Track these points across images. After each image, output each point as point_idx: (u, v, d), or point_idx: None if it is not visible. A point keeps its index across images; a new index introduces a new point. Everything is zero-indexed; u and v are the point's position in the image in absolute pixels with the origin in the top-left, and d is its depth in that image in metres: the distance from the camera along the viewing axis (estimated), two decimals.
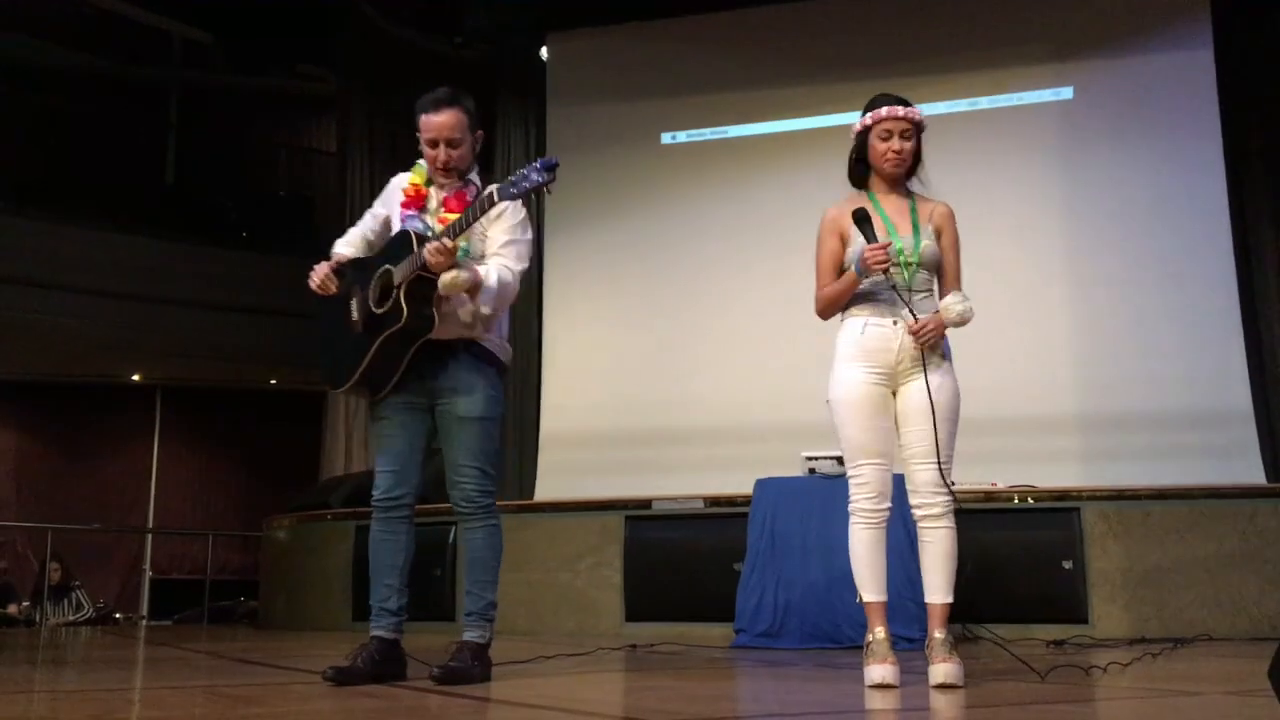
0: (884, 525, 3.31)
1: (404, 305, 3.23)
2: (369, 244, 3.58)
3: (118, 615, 11.29)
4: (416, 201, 3.44)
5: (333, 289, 3.44)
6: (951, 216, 3.42)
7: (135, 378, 13.58)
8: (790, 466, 5.75)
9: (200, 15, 11.45)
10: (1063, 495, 5.89)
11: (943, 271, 3.38)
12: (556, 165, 3.07)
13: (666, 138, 9.11)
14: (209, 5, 11.17)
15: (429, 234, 3.29)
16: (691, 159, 9.01)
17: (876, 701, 3.00)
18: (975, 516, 5.78)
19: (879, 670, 3.16)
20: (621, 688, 3.58)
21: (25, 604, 10.51)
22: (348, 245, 3.57)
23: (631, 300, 8.87)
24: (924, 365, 3.25)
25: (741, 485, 5.90)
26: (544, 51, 9.72)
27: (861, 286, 3.31)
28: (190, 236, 11.49)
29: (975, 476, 6.15)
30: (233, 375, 13.34)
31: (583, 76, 9.50)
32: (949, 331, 3.32)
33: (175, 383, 13.65)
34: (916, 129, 3.38)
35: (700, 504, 6.32)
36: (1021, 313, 8.00)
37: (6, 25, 11.04)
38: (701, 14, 9.14)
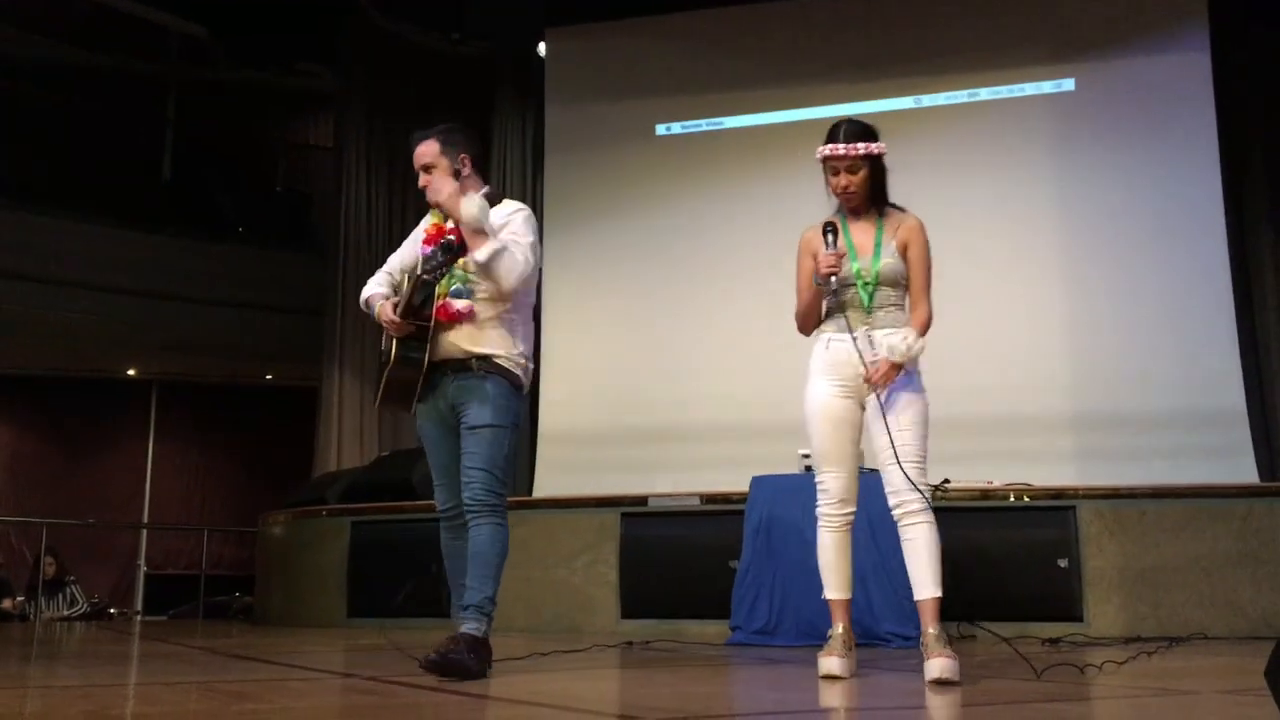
0: (847, 529, 3.51)
1: (394, 346, 3.62)
2: (394, 284, 3.87)
3: (112, 610, 11.26)
4: (436, 237, 3.72)
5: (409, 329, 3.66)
6: (919, 230, 3.53)
7: (131, 373, 13.56)
8: (786, 464, 5.75)
9: (198, 10, 11.40)
10: (1058, 494, 5.89)
11: (910, 285, 3.52)
12: (452, 246, 3.53)
13: (661, 129, 9.11)
14: (207, 0, 11.14)
15: (424, 276, 3.56)
16: (687, 151, 9.01)
17: (872, 699, 3.00)
18: (971, 515, 5.80)
19: (829, 662, 3.36)
20: (617, 685, 3.58)
21: (19, 599, 10.48)
22: (379, 285, 3.85)
23: (628, 297, 8.86)
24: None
25: (738, 483, 5.90)
26: (542, 48, 9.71)
27: (827, 304, 3.52)
28: (187, 232, 11.47)
29: (972, 475, 6.16)
30: (228, 371, 13.33)
31: (581, 73, 9.50)
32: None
33: (171, 378, 13.63)
34: (868, 160, 3.49)
35: (696, 501, 6.32)
36: (1018, 311, 8.01)
37: (2, 20, 11.01)
38: (699, 9, 9.15)
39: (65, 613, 10.33)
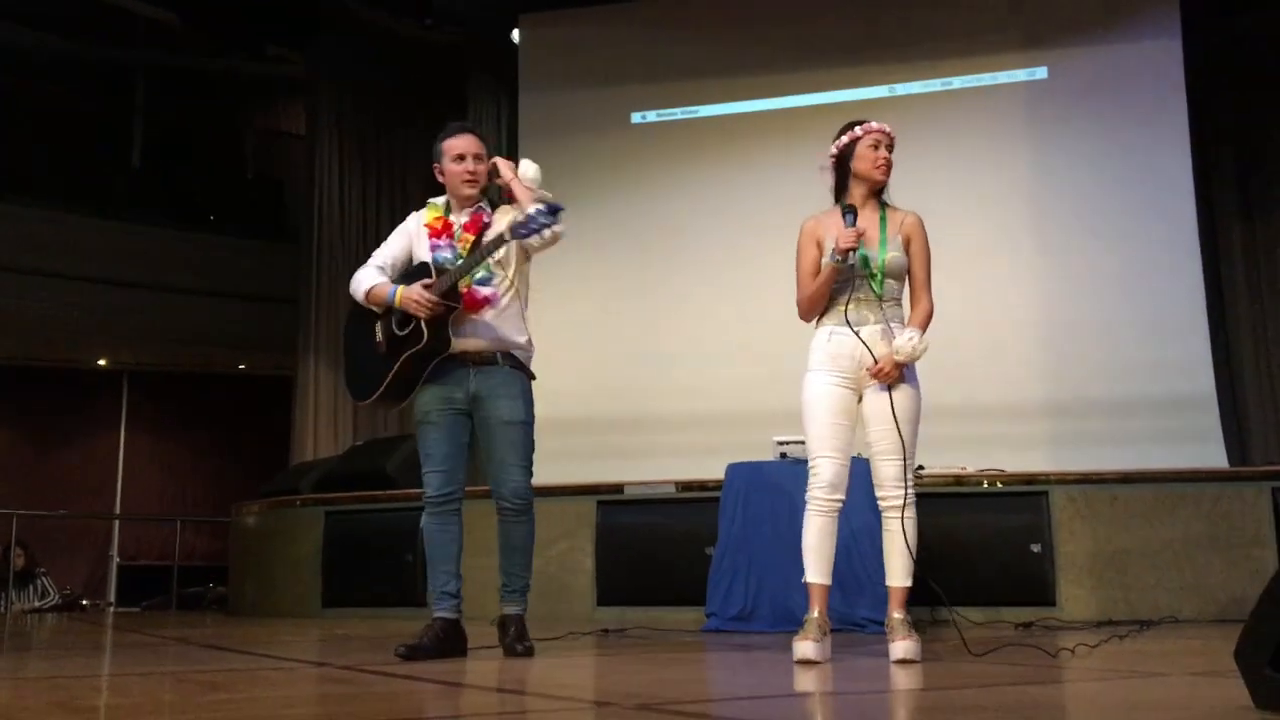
0: (834, 515, 3.56)
1: (424, 330, 3.71)
2: (383, 274, 3.96)
3: (84, 602, 11.19)
4: (445, 231, 3.89)
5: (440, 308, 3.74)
6: (920, 225, 3.65)
7: (101, 363, 13.44)
8: (761, 451, 5.76)
9: None
10: (1031, 479, 5.93)
11: (912, 279, 3.63)
12: (561, 210, 3.58)
13: (637, 117, 9.09)
14: None
15: (453, 263, 3.77)
16: (662, 139, 9.00)
17: (846, 683, 3.01)
18: (944, 500, 5.82)
19: (804, 646, 3.41)
20: (593, 671, 3.58)
21: None
22: (378, 273, 3.94)
23: (602, 284, 8.85)
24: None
25: (713, 470, 5.91)
26: (515, 34, 9.66)
27: (832, 288, 3.58)
28: (157, 220, 11.38)
29: (945, 461, 6.19)
30: (200, 360, 13.23)
31: (554, 59, 9.46)
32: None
33: (142, 368, 13.52)
34: (891, 144, 3.68)
35: (672, 489, 6.32)
36: (991, 298, 8.05)
37: None
38: None
39: (36, 604, 10.24)
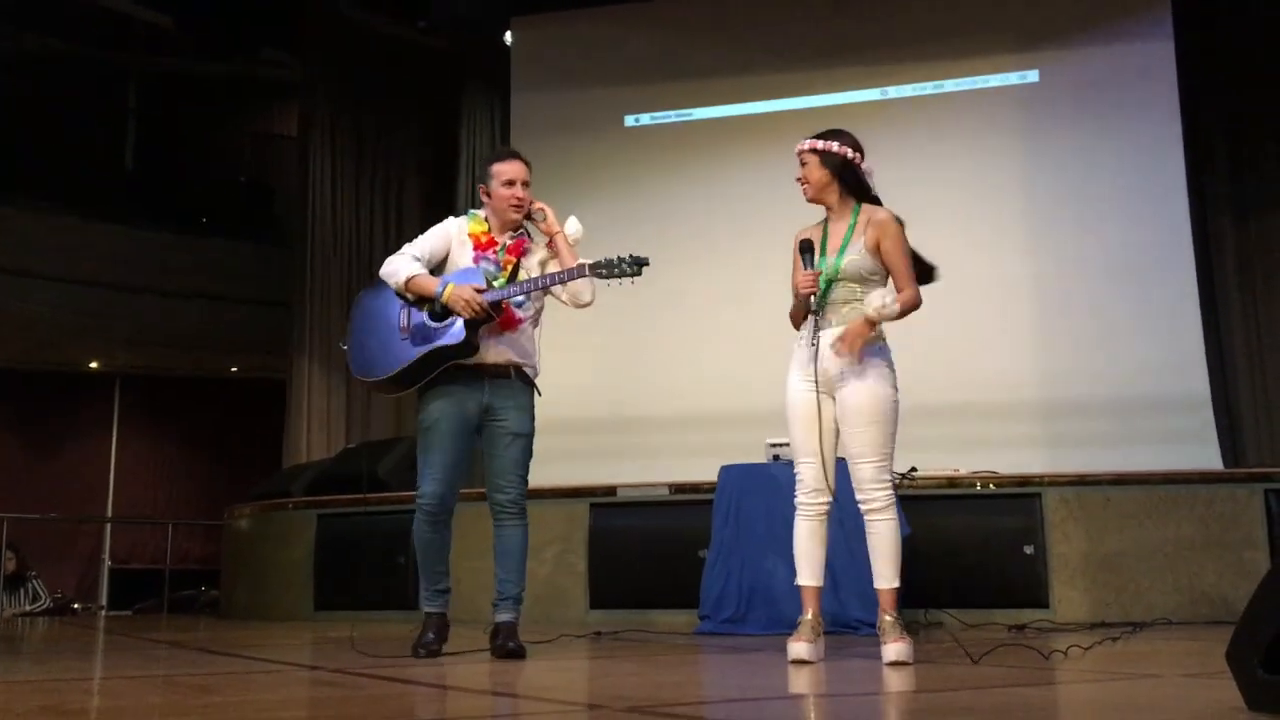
0: (822, 518, 3.62)
1: (464, 330, 3.84)
2: (421, 266, 4.02)
3: (76, 605, 11.15)
4: (490, 246, 4.02)
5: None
6: (887, 222, 3.63)
7: (93, 365, 13.40)
8: (754, 454, 5.75)
9: None
10: (1024, 481, 5.93)
11: (891, 276, 3.63)
12: (646, 264, 3.81)
13: (630, 120, 9.08)
14: None
15: (495, 279, 3.92)
16: (655, 142, 9.00)
17: (838, 685, 3.01)
18: (938, 502, 5.83)
19: (798, 647, 3.47)
20: (585, 674, 3.58)
21: None
22: (417, 264, 3.98)
23: (596, 286, 8.82)
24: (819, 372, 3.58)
25: (706, 472, 5.90)
26: (508, 36, 9.65)
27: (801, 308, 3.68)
28: (150, 222, 11.33)
29: (938, 462, 6.20)
30: (192, 363, 13.20)
31: (548, 61, 9.46)
32: (890, 333, 3.62)
33: (134, 371, 13.48)
34: (820, 156, 3.67)
35: (665, 491, 6.32)
36: (983, 299, 8.04)
37: None
38: None
39: (27, 608, 10.21)
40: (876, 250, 3.59)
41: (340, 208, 10.08)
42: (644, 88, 9.05)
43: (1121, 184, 8.07)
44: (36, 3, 11.53)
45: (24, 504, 11.81)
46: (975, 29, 8.50)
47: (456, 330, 3.84)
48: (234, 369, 13.47)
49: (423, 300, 3.91)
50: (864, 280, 3.60)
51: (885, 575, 3.51)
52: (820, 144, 3.67)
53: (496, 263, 3.99)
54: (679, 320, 8.53)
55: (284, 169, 12.25)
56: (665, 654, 4.15)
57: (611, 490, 6.45)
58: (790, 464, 3.73)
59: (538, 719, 2.50)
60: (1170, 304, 7.89)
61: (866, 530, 3.55)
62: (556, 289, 4.00)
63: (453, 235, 4.07)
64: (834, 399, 3.60)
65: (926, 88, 8.49)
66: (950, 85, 8.45)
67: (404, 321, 3.95)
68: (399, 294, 3.96)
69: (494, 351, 3.94)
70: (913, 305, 3.57)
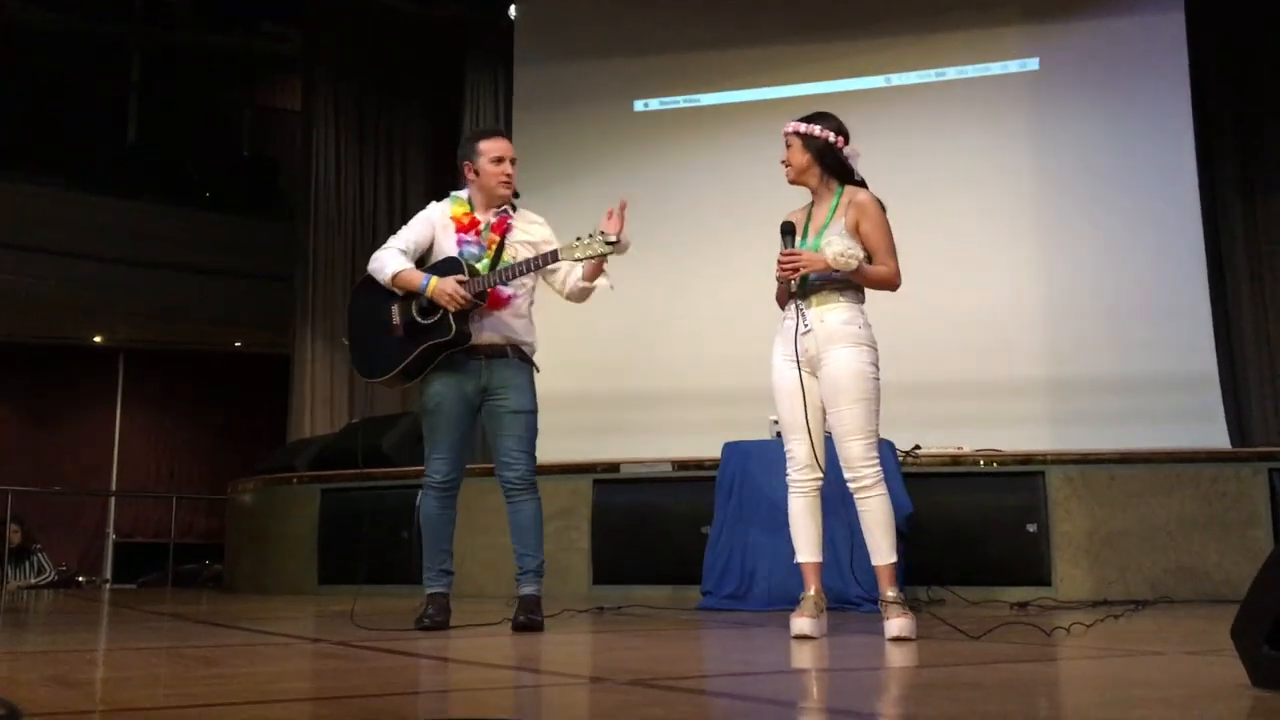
0: (814, 494, 3.66)
1: (452, 323, 3.88)
2: (407, 259, 4.06)
3: (80, 578, 11.18)
4: (472, 227, 4.05)
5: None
6: (867, 204, 3.65)
7: (97, 340, 13.40)
8: (758, 430, 5.75)
9: None
10: (1028, 459, 5.92)
11: (872, 255, 3.60)
12: (616, 243, 3.85)
13: (639, 105, 9.03)
14: None
15: (479, 260, 3.96)
16: (663, 125, 8.95)
17: (840, 660, 3.01)
18: (941, 480, 5.82)
19: (801, 623, 3.49)
20: (589, 649, 3.58)
21: None
22: (403, 258, 4.01)
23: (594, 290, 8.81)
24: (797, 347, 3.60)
25: (709, 448, 5.89)
26: (512, 10, 9.60)
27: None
28: (152, 197, 11.31)
29: (941, 440, 6.19)
30: (196, 337, 13.19)
31: (551, 37, 9.40)
32: (866, 308, 3.62)
33: (138, 345, 13.48)
34: (803, 139, 3.70)
35: (668, 467, 6.31)
36: (990, 279, 8.02)
37: None
38: None
39: (32, 581, 10.25)
40: (856, 231, 3.60)
41: (343, 181, 10.04)
42: (651, 69, 8.98)
43: (1130, 166, 8.04)
44: None
45: (29, 478, 11.85)
46: (976, 16, 8.43)
47: (446, 324, 3.89)
48: (238, 344, 13.47)
49: (411, 295, 3.96)
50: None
51: (882, 551, 3.51)
52: (803, 127, 3.70)
53: (480, 244, 4.02)
54: (683, 297, 8.51)
55: (287, 143, 12.22)
56: (668, 629, 4.16)
57: (615, 466, 6.45)
58: None
59: (540, 691, 2.50)
60: (1178, 282, 7.86)
61: (859, 509, 3.55)
62: (557, 288, 4.09)
63: (435, 221, 4.11)
64: (816, 376, 3.61)
65: (929, 75, 8.43)
66: (952, 72, 8.39)
67: (396, 319, 4.00)
68: (375, 285, 4.02)
69: (487, 332, 3.98)
70: (886, 281, 3.59)
